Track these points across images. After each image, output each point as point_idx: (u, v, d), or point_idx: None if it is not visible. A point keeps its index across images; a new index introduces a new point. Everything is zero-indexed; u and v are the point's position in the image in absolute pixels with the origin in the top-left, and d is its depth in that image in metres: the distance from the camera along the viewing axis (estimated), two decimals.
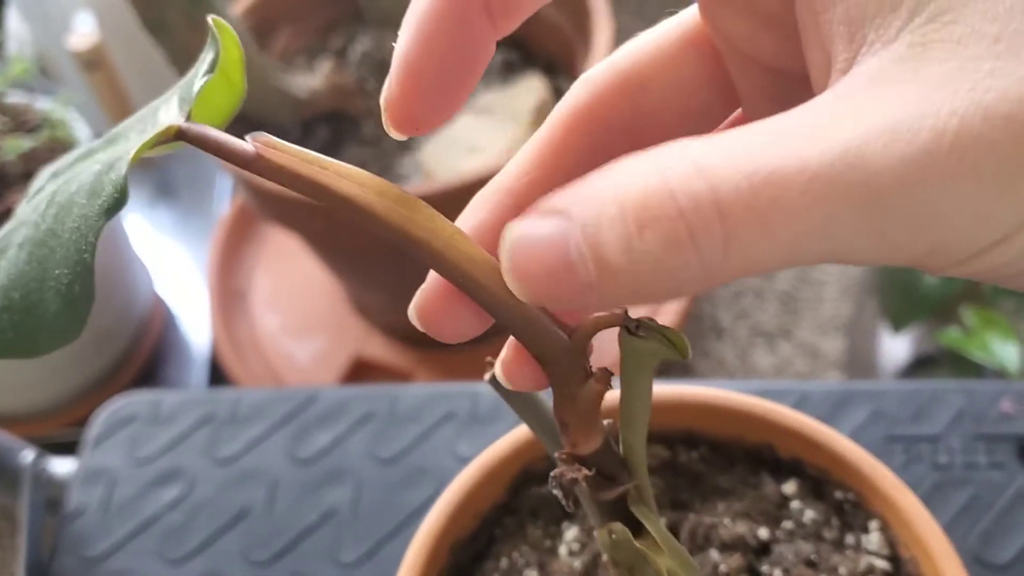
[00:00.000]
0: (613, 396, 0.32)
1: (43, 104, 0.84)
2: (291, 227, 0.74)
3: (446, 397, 0.53)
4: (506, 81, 0.78)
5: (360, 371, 0.87)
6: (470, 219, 0.23)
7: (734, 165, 0.17)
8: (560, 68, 0.79)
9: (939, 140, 0.16)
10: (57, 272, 0.20)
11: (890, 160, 0.16)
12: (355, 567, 0.48)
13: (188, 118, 0.20)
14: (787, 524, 0.34)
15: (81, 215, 0.19)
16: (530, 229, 0.19)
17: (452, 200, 0.64)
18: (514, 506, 0.35)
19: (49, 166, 0.25)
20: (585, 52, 0.72)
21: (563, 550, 0.34)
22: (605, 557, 0.30)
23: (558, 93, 0.77)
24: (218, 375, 0.90)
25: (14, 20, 1.03)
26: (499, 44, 0.82)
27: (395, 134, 0.22)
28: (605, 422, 0.24)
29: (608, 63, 0.24)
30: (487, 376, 0.24)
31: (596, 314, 0.21)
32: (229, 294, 0.93)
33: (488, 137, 0.72)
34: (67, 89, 0.95)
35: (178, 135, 0.19)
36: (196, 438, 0.53)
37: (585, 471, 0.24)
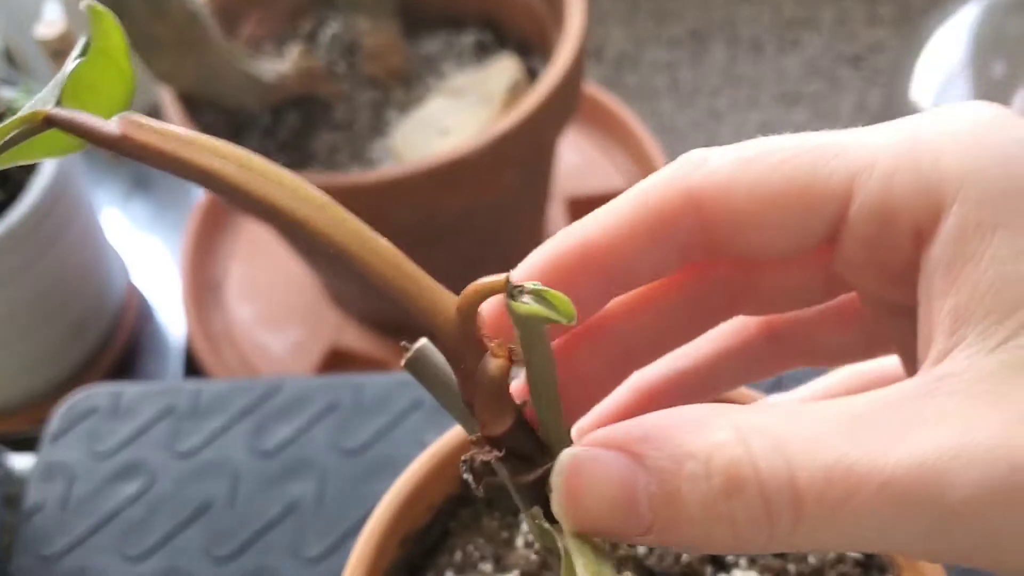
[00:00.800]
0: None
1: (10, 93, 0.83)
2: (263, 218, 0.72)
3: (412, 386, 0.51)
4: (479, 62, 0.77)
5: (336, 361, 0.86)
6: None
7: (815, 451, 0.18)
8: (533, 49, 0.77)
9: (1016, 472, 0.17)
10: None
11: (963, 482, 0.17)
12: (319, 561, 0.46)
13: (58, 104, 0.19)
14: None
15: None
16: (594, 457, 0.20)
17: (422, 182, 0.62)
18: (469, 497, 0.34)
19: None
20: (559, 33, 0.70)
21: (520, 541, 0.33)
22: (537, 546, 0.29)
23: (531, 74, 0.76)
24: (194, 367, 0.89)
25: None
26: (472, 24, 0.80)
27: None
28: (519, 401, 0.22)
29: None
30: (403, 361, 0.23)
31: (477, 281, 0.20)
32: (203, 285, 0.91)
33: (460, 119, 0.70)
34: (34, 79, 0.93)
35: (46, 122, 0.18)
36: (156, 431, 0.52)
37: (496, 453, 0.22)
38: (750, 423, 0.19)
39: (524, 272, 0.23)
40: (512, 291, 0.20)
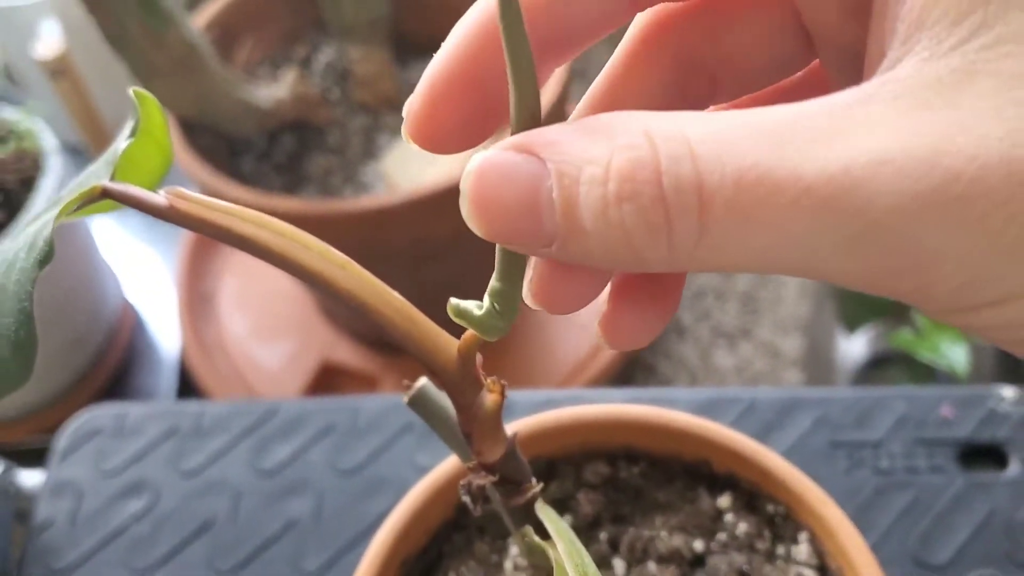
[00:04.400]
0: (595, 411, 0.34)
1: (9, 114, 0.85)
2: None
3: (405, 409, 0.54)
4: None
5: (328, 376, 0.88)
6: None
7: (727, 155, 0.16)
8: None
9: (951, 183, 0.15)
10: (4, 321, 0.21)
11: (892, 190, 0.15)
12: (317, 575, 0.49)
13: (112, 177, 0.21)
14: (721, 536, 0.35)
15: (20, 268, 0.20)
16: (501, 160, 0.18)
17: (413, 210, 0.65)
18: (463, 523, 0.36)
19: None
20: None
21: (508, 565, 0.35)
22: (525, 563, 0.32)
23: None
24: (188, 381, 0.91)
25: None
26: None
27: (413, 145, 0.21)
28: (509, 432, 0.25)
29: None
30: (405, 398, 0.26)
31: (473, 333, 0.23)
32: (197, 298, 0.94)
33: None
34: (33, 98, 0.95)
35: (103, 193, 0.21)
36: (161, 450, 0.54)
37: (491, 478, 0.25)
38: (662, 127, 0.17)
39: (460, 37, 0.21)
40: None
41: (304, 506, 0.51)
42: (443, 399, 0.28)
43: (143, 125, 0.24)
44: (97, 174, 0.23)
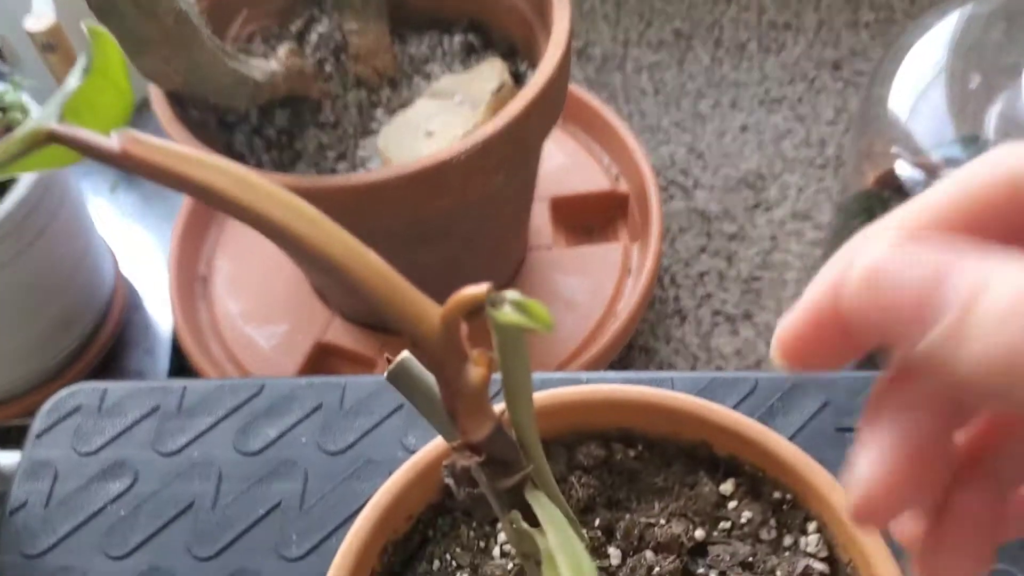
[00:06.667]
0: (589, 390, 0.32)
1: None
2: None
3: (394, 389, 0.52)
4: (466, 64, 0.77)
5: (322, 356, 0.86)
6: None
7: None
8: (520, 52, 0.78)
9: None
10: None
11: None
12: (300, 561, 0.47)
13: (60, 120, 0.19)
14: (724, 524, 0.33)
15: None
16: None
17: (407, 186, 0.63)
18: (448, 506, 0.34)
19: None
20: (545, 37, 0.71)
21: (496, 551, 0.33)
22: (514, 553, 0.30)
23: (517, 77, 0.76)
24: (181, 361, 0.89)
25: None
26: (460, 26, 0.80)
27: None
28: (497, 408, 0.23)
29: None
30: (385, 373, 0.24)
31: (460, 292, 0.21)
32: (190, 279, 0.92)
33: (445, 121, 0.71)
34: (24, 72, 0.93)
35: (50, 136, 0.19)
36: (141, 430, 0.52)
37: (476, 458, 0.23)
38: None
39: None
40: (493, 301, 0.21)
41: (289, 488, 0.49)
42: (426, 374, 0.26)
43: (97, 64, 0.22)
44: (45, 118, 0.21)
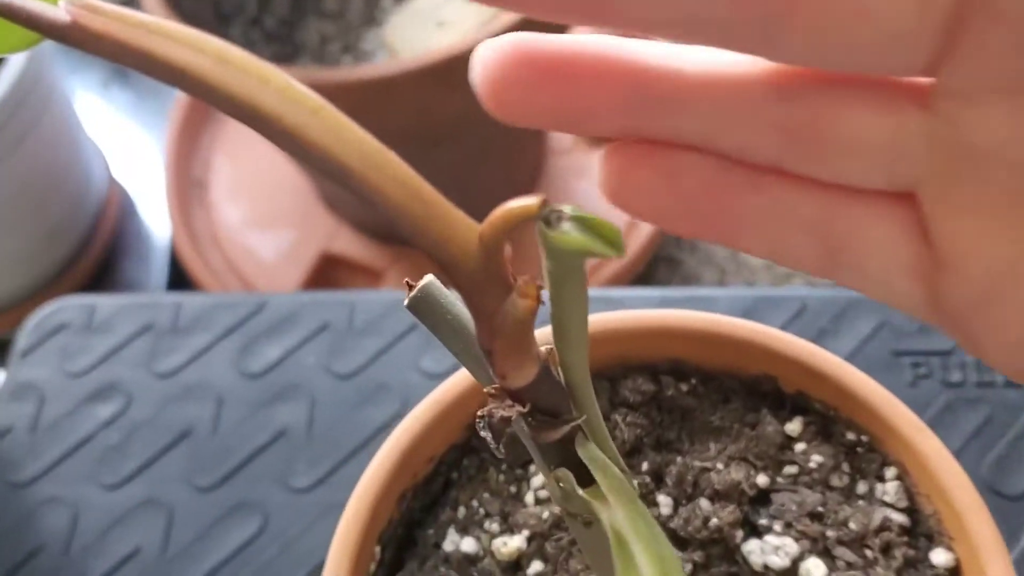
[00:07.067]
0: (634, 316, 0.27)
1: None
2: None
3: None
4: None
5: (329, 269, 0.82)
6: None
7: None
8: None
9: None
10: None
11: None
12: (308, 492, 0.43)
13: None
14: (789, 469, 0.29)
15: None
16: None
17: (419, 80, 0.57)
18: (475, 446, 0.30)
19: None
20: None
21: (530, 497, 0.29)
22: (558, 508, 0.26)
23: None
24: (179, 271, 0.85)
25: None
26: None
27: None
28: (543, 347, 0.19)
29: None
30: (406, 301, 0.19)
31: (505, 205, 0.16)
32: (187, 183, 0.87)
33: (458, 11, 0.65)
34: None
35: None
36: (133, 349, 0.48)
37: (519, 408, 0.19)
38: None
39: None
40: (548, 217, 0.16)
41: (294, 414, 0.45)
42: (456, 304, 0.21)
43: None
44: None
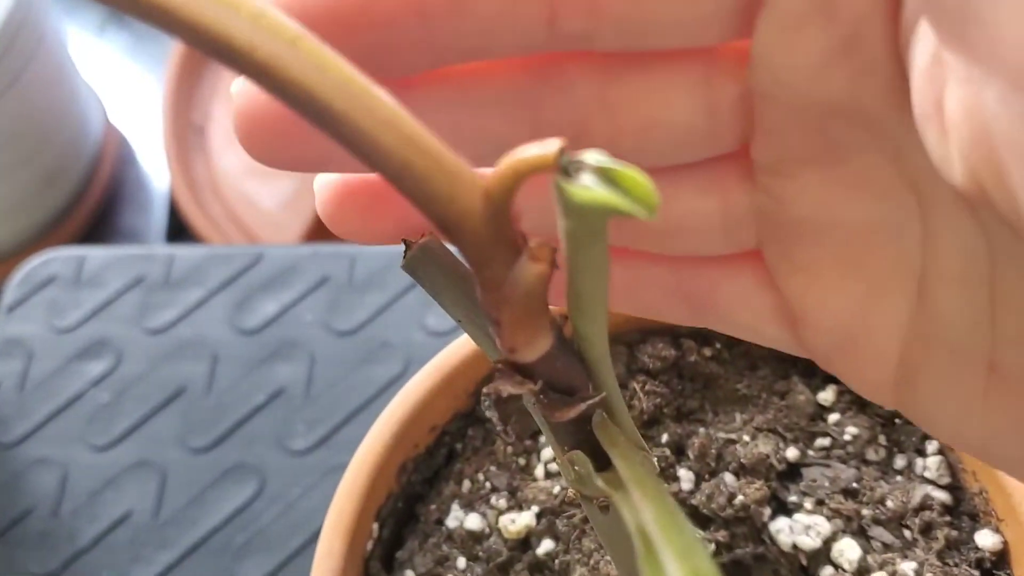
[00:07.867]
0: None
1: None
2: None
3: None
4: None
5: None
6: None
7: None
8: None
9: None
10: None
11: None
12: (307, 454, 0.42)
13: None
14: (822, 442, 0.27)
15: None
16: None
17: None
18: (480, 415, 0.28)
19: None
20: None
21: (540, 471, 0.27)
22: (571, 491, 0.24)
23: None
24: (178, 221, 0.83)
25: None
26: None
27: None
28: (557, 314, 0.17)
29: None
30: (402, 262, 0.17)
31: (515, 153, 0.14)
32: (187, 129, 0.84)
33: None
34: None
35: None
36: (124, 303, 0.46)
37: (530, 385, 0.17)
38: None
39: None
40: (567, 167, 0.14)
41: (292, 372, 0.43)
42: (460, 264, 0.19)
43: None
44: None
